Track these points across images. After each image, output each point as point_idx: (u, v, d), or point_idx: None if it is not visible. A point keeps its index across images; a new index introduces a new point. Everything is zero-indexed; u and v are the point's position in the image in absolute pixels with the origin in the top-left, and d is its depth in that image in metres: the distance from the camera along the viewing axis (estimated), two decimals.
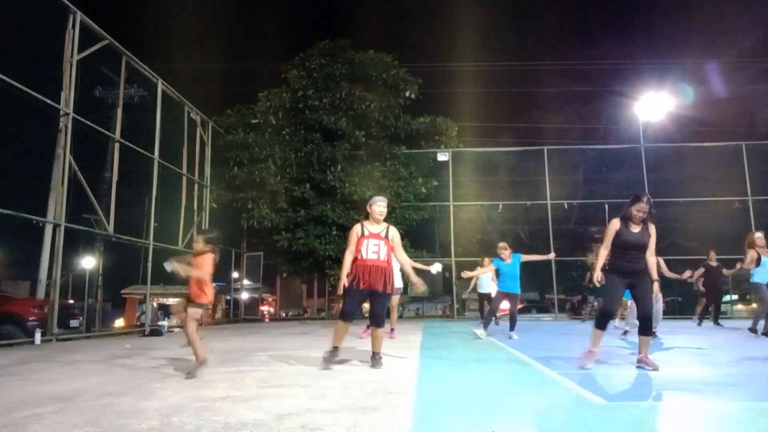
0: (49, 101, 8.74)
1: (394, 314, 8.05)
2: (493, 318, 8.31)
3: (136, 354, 6.28)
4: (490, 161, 21.97)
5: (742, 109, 22.32)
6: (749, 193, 14.76)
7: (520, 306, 9.15)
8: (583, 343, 7.03)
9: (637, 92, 16.91)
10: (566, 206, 18.18)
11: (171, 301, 22.85)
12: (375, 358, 4.59)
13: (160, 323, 11.24)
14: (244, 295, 19.80)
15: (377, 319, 4.60)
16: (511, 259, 7.81)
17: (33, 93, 8.32)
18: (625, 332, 7.67)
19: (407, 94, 15.44)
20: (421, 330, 9.93)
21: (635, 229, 4.44)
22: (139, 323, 19.38)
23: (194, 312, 4.26)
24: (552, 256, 8.55)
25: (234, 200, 14.53)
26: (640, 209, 4.35)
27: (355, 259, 4.57)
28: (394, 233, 4.74)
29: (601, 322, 4.56)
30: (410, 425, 2.57)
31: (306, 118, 14.60)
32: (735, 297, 20.30)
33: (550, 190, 15.96)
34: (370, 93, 14.91)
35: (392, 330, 8.00)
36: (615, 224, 4.52)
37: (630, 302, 7.69)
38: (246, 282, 18.97)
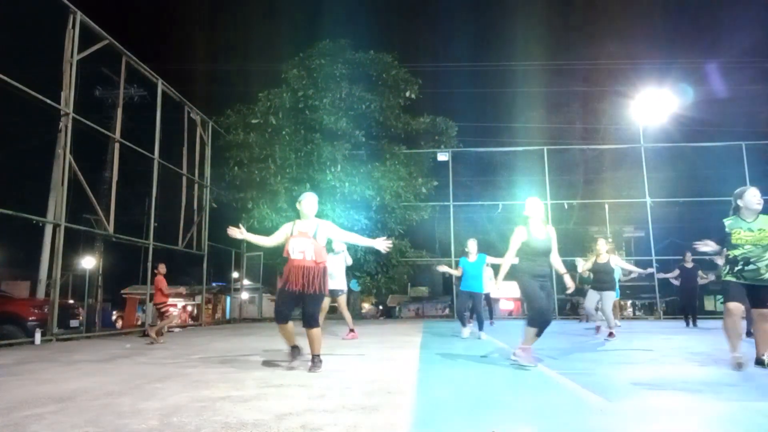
0: (49, 101, 8.74)
1: (346, 315, 8.01)
2: (467, 317, 8.29)
3: (136, 354, 6.28)
4: (490, 161, 22.00)
5: (742, 109, 22.32)
6: None
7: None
8: (583, 343, 7.06)
9: (638, 92, 16.91)
10: (566, 206, 18.18)
11: (171, 301, 22.87)
12: (314, 362, 4.41)
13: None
14: (244, 295, 19.82)
15: (309, 320, 4.40)
16: (476, 259, 7.88)
17: (33, 93, 8.32)
18: (597, 327, 7.70)
19: (407, 94, 15.43)
20: (421, 330, 9.92)
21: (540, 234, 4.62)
22: (139, 323, 19.39)
23: None
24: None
25: (234, 200, 14.53)
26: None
27: (286, 260, 4.53)
28: (326, 229, 4.61)
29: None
30: (410, 425, 2.57)
31: (306, 118, 14.60)
32: None
33: (550, 190, 15.96)
34: (370, 93, 14.91)
35: (351, 331, 7.93)
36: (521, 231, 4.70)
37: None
38: (246, 282, 18.99)
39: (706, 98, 22.38)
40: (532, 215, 4.65)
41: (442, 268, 8.71)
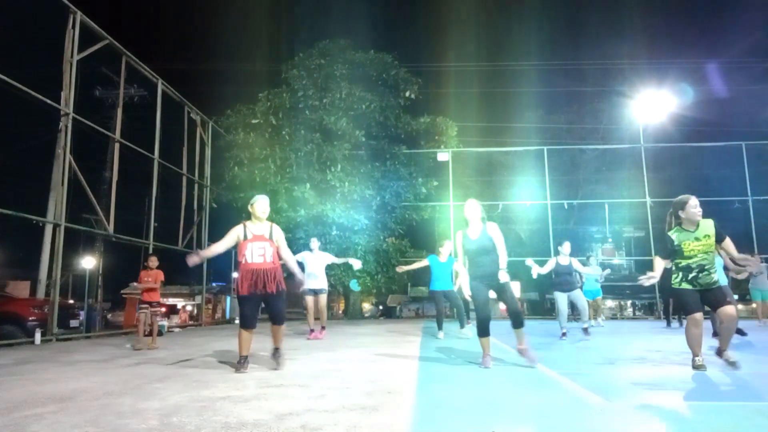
0: (49, 101, 8.74)
1: (324, 314, 8.07)
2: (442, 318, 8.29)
3: (136, 354, 6.28)
4: (490, 161, 21.97)
5: (742, 109, 22.32)
6: (749, 193, 14.76)
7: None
8: (583, 343, 7.05)
9: (638, 92, 16.91)
10: (566, 206, 18.18)
11: (171, 301, 22.87)
12: (276, 354, 4.61)
13: (160, 323, 11.23)
14: None
15: (279, 318, 4.56)
16: (447, 259, 7.92)
17: (33, 93, 8.32)
18: (585, 329, 7.73)
19: (407, 94, 15.42)
20: (421, 330, 9.92)
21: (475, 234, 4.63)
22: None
23: None
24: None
25: (234, 200, 14.53)
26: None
27: (240, 264, 4.47)
28: (279, 233, 4.65)
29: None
30: (410, 425, 2.57)
31: (306, 118, 14.59)
32: (735, 297, 20.27)
33: (550, 190, 15.97)
34: (370, 93, 14.90)
35: (323, 329, 8.02)
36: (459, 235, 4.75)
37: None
38: None
39: (706, 98, 22.39)
40: (468, 217, 4.69)
41: (401, 269, 8.76)
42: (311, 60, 15.37)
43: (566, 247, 7.80)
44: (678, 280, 4.36)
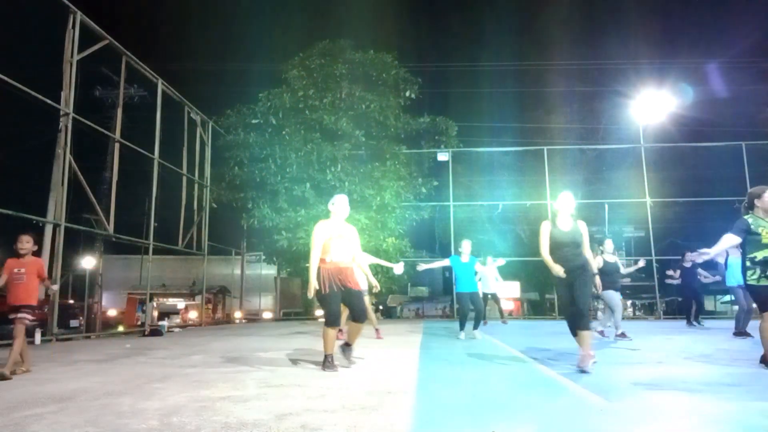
0: (49, 101, 8.74)
1: (369, 316, 8.13)
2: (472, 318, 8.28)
3: (136, 354, 6.28)
4: (490, 161, 21.97)
5: (742, 109, 22.29)
6: None
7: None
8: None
9: (638, 92, 16.90)
10: None
11: (171, 301, 22.86)
12: (347, 350, 4.73)
13: (160, 323, 11.25)
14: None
15: (361, 315, 4.62)
16: (468, 260, 7.92)
17: (33, 93, 8.32)
18: (601, 332, 7.71)
19: (407, 94, 15.41)
20: (421, 330, 9.92)
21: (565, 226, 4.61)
22: (139, 323, 19.38)
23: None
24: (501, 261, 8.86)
25: (234, 200, 14.53)
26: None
27: (321, 261, 4.49)
28: (354, 232, 4.78)
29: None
30: (410, 425, 2.57)
31: (306, 118, 14.59)
32: (735, 297, 20.27)
33: (550, 190, 15.96)
34: (370, 93, 14.89)
35: (376, 330, 8.09)
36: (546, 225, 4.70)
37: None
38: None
39: (706, 98, 22.37)
40: (561, 210, 4.69)
41: (421, 267, 8.68)
42: (311, 60, 15.36)
43: (609, 245, 7.77)
44: (756, 276, 4.16)
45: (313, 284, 4.42)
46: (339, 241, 4.53)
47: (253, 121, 14.70)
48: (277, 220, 13.85)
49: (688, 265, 10.31)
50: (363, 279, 7.79)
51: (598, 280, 4.98)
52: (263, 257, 16.75)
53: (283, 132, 14.48)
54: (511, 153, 20.67)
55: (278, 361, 5.22)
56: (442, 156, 15.61)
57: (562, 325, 10.14)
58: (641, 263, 9.59)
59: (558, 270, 4.37)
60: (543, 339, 7.74)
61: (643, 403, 3.07)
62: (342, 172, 13.89)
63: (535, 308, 24.60)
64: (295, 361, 5.14)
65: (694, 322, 10.46)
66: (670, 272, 10.87)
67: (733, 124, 21.12)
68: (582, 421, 2.67)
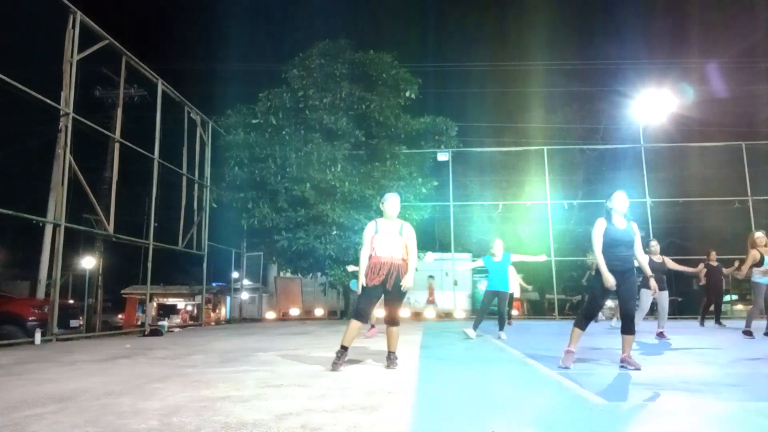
0: (49, 101, 8.74)
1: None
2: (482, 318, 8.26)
3: (136, 354, 6.28)
4: (490, 161, 21.98)
5: (742, 109, 22.28)
6: (749, 193, 14.76)
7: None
8: (584, 343, 7.04)
9: (638, 92, 16.90)
10: (566, 206, 18.17)
11: (171, 301, 22.87)
12: (391, 358, 4.62)
13: (160, 323, 11.25)
14: (245, 295, 19.82)
15: (393, 319, 4.65)
16: (501, 258, 7.85)
17: (33, 93, 8.32)
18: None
19: (407, 94, 15.41)
20: (421, 330, 9.92)
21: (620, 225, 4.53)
22: (139, 323, 19.39)
23: None
24: (543, 257, 8.74)
25: (234, 200, 14.53)
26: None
27: (369, 257, 4.58)
28: (408, 231, 4.72)
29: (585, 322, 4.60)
30: (410, 425, 2.57)
31: (306, 118, 14.59)
32: (735, 297, 20.29)
33: (550, 190, 15.96)
34: (370, 93, 14.90)
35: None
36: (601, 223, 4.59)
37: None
38: (246, 282, 19.00)
39: (706, 98, 22.35)
40: (617, 208, 4.57)
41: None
42: (311, 60, 15.36)
43: (655, 246, 7.77)
44: None
45: (361, 280, 4.53)
46: (385, 239, 4.57)
47: (253, 121, 14.71)
48: (277, 220, 13.86)
49: (714, 263, 10.24)
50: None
51: (653, 282, 4.90)
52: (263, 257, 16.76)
53: (283, 132, 14.49)
54: (511, 153, 20.67)
55: (278, 361, 5.22)
56: (442, 156, 15.60)
57: (562, 326, 10.18)
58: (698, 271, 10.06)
59: (611, 283, 4.31)
60: (543, 339, 7.74)
61: (643, 403, 3.07)
62: (342, 172, 13.90)
63: (535, 308, 24.57)
64: (295, 361, 5.14)
65: (716, 323, 10.43)
66: (699, 272, 10.45)
67: (733, 124, 21.12)
68: (582, 421, 2.67)
